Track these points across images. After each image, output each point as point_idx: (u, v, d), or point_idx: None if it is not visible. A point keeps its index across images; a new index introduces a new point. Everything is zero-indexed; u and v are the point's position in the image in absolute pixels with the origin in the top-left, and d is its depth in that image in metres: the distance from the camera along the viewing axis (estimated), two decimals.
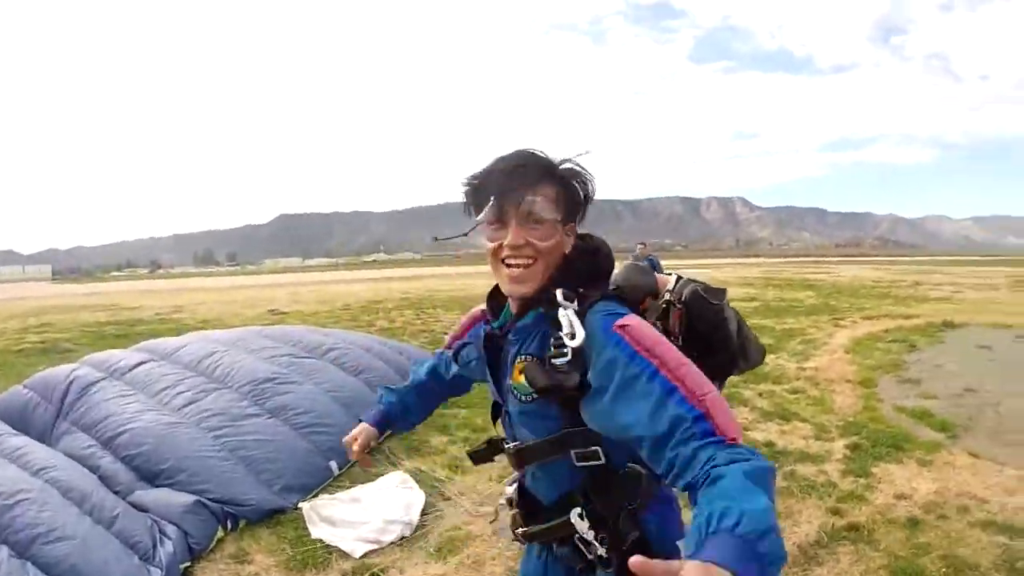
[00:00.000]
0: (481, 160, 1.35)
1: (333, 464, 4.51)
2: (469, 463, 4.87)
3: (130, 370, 5.21)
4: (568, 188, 1.33)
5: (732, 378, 4.11)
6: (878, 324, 13.32)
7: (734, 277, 33.50)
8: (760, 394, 7.26)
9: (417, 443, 5.43)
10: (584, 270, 1.38)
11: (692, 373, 1.14)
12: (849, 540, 3.77)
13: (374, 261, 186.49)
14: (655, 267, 9.97)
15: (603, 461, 1.32)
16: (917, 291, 23.88)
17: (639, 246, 10.95)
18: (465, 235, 1.40)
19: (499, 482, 4.51)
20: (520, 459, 1.44)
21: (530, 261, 1.30)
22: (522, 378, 1.32)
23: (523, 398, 1.35)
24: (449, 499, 4.30)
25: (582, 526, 1.36)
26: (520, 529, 1.51)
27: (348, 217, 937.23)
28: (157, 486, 3.93)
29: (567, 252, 1.36)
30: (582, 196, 1.36)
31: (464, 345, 1.71)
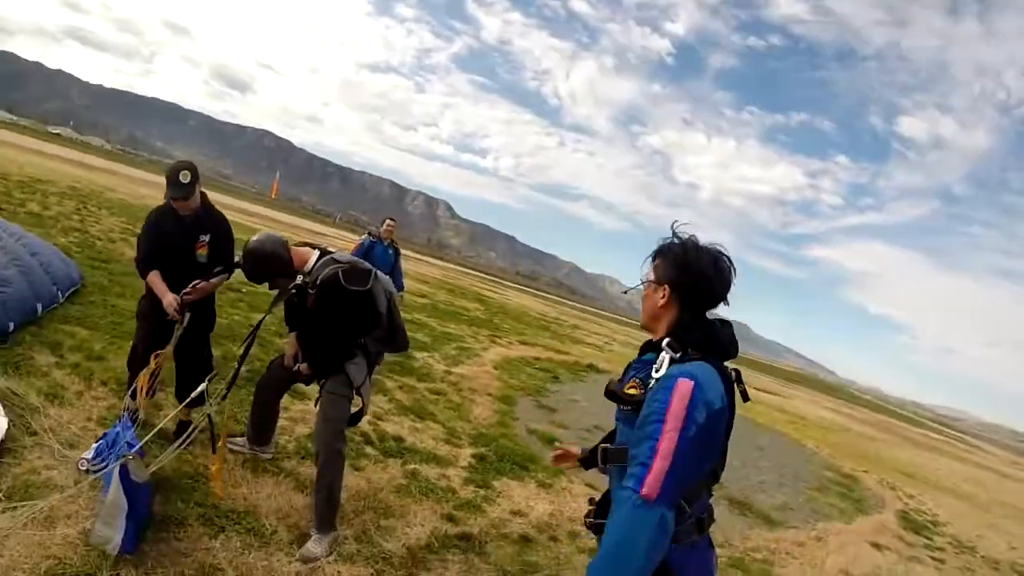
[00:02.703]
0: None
1: None
2: (72, 393, 4.16)
3: None
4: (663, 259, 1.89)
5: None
6: (532, 351, 14.61)
7: (414, 271, 32.10)
8: (401, 387, 7.25)
9: (18, 358, 4.41)
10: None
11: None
12: (460, 549, 3.84)
13: (58, 135, 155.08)
14: (397, 256, 8.21)
15: None
16: (575, 333, 27.16)
17: (388, 222, 8.22)
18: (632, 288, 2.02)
19: (99, 423, 3.88)
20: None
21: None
22: (632, 391, 1.74)
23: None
24: (36, 434, 3.54)
25: None
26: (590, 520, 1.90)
27: (49, 74, 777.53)
28: None
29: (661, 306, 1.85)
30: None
31: None
